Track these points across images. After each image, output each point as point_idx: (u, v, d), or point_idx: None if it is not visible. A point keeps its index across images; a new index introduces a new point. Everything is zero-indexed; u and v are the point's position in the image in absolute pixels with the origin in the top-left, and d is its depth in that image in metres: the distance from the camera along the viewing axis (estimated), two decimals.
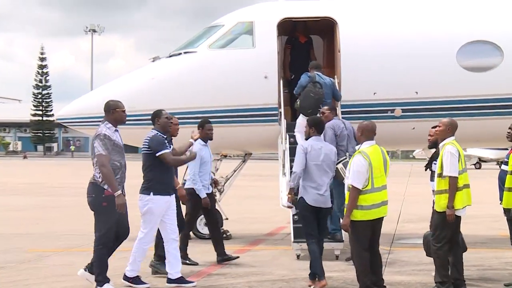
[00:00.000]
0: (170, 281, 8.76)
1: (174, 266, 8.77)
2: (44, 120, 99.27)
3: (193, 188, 10.61)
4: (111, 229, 8.15)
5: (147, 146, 8.74)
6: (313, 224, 8.87)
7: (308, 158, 8.78)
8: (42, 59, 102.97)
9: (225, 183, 13.92)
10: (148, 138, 8.76)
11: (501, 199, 8.87)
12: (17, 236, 13.82)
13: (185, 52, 13.69)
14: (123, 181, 8.36)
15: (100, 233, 8.11)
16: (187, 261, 10.37)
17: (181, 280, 8.74)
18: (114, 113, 8.33)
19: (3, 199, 23.39)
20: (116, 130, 8.35)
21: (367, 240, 8.20)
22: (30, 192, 27.31)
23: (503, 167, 9.07)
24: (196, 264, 10.48)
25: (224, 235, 13.36)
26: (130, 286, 8.68)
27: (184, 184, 10.87)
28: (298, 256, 10.96)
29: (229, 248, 11.40)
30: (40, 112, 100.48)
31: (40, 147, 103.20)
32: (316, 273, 8.59)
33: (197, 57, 13.51)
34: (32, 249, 12.06)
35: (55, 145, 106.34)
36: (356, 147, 8.54)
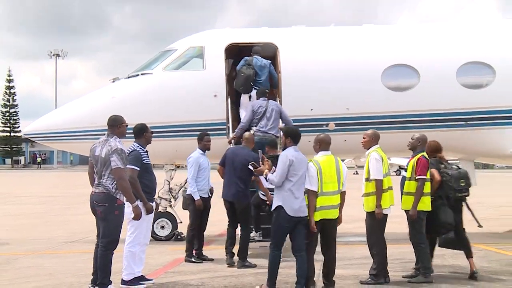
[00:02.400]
0: (123, 282, 8.45)
1: (138, 266, 8.54)
2: (11, 136, 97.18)
3: (190, 194, 10.55)
4: (118, 235, 7.93)
5: None
6: (285, 235, 8.03)
7: (291, 169, 7.87)
8: (10, 81, 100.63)
9: (179, 190, 13.76)
10: (128, 151, 8.45)
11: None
12: None
13: (142, 74, 13.55)
14: None
15: (108, 239, 7.81)
16: (193, 259, 10.43)
17: (141, 278, 8.52)
18: (120, 127, 8.07)
19: None
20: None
21: (316, 239, 8.29)
22: None
23: (403, 173, 9.23)
24: (201, 262, 10.43)
25: (179, 236, 13.30)
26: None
27: (185, 191, 11.03)
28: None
29: (182, 248, 11.27)
30: (8, 128, 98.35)
31: (8, 161, 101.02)
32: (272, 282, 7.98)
33: (153, 78, 13.39)
34: (0, 253, 11.69)
35: (22, 158, 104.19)
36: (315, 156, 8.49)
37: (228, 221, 10.63)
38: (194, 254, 10.57)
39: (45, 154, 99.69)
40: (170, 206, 13.39)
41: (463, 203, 9.48)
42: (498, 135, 13.70)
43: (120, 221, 7.92)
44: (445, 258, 10.76)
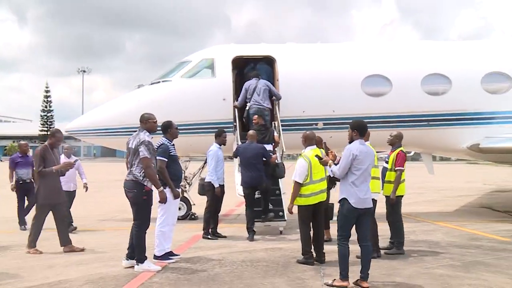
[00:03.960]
0: (156, 257, 7.89)
1: (167, 243, 7.99)
2: (48, 134, 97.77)
3: (209, 182, 10.02)
4: (149, 217, 7.48)
5: (156, 151, 7.93)
6: (351, 226, 6.56)
7: (355, 162, 6.43)
8: (47, 91, 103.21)
9: (193, 178, 13.31)
10: (157, 145, 7.99)
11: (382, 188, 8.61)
12: None
13: (163, 81, 13.07)
14: None
15: (140, 221, 7.39)
16: (209, 236, 9.92)
17: (170, 253, 7.98)
18: (147, 123, 7.57)
19: None
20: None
21: (309, 220, 7.84)
22: None
23: (384, 164, 8.81)
24: (216, 239, 9.91)
25: (193, 216, 12.85)
26: (160, 261, 7.78)
27: (204, 179, 10.52)
28: (281, 232, 10.57)
29: (197, 227, 10.81)
30: (46, 129, 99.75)
31: None
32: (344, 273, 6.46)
33: (172, 84, 12.88)
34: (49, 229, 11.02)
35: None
36: (303, 151, 8.04)
37: (246, 205, 10.15)
38: (209, 231, 10.03)
39: (74, 148, 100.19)
40: (185, 191, 12.86)
41: None
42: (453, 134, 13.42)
43: (148, 205, 7.46)
44: (416, 234, 10.36)
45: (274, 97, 12.42)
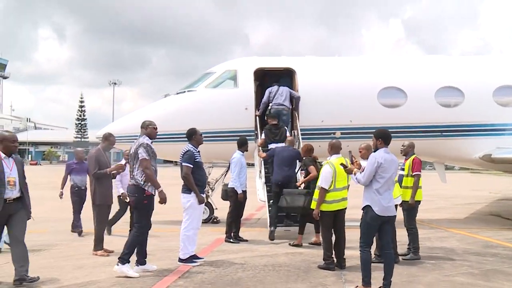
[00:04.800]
0: (180, 260, 7.50)
1: (192, 247, 7.58)
2: (82, 141, 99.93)
3: (233, 187, 9.64)
4: (149, 221, 7.05)
5: (181, 157, 7.64)
6: (374, 233, 6.18)
7: (380, 170, 5.99)
8: (81, 101, 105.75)
9: (215, 183, 12.94)
10: (183, 151, 7.68)
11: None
12: None
13: (188, 91, 12.71)
14: None
15: (141, 224, 6.94)
16: (231, 240, 9.47)
17: (194, 256, 7.58)
18: (148, 129, 7.19)
19: None
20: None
21: (330, 225, 7.38)
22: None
23: (400, 172, 8.34)
24: (238, 242, 9.44)
25: (215, 220, 12.47)
26: (185, 264, 7.39)
27: (227, 185, 10.07)
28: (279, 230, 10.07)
29: (219, 230, 10.40)
30: (80, 136, 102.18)
31: None
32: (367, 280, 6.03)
33: (197, 94, 12.51)
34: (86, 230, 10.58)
35: None
36: (328, 159, 7.60)
37: (273, 201, 9.81)
38: (232, 235, 9.61)
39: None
40: (208, 196, 12.42)
41: None
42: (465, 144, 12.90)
43: (149, 209, 7.01)
44: (432, 241, 9.85)
45: (293, 98, 12.14)
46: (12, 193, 6.04)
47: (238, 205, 9.72)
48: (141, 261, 7.09)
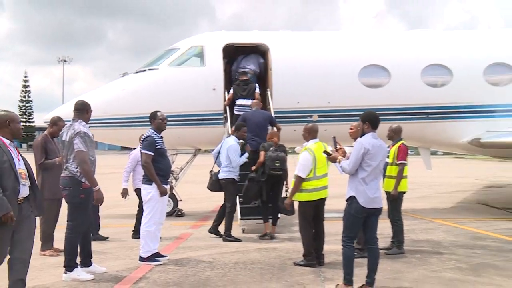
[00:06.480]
0: (141, 259, 7.30)
1: (154, 244, 7.38)
2: (27, 125, 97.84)
3: (232, 178, 9.28)
4: (85, 219, 6.63)
5: (141, 144, 7.41)
6: (359, 227, 6.03)
7: (367, 158, 5.86)
8: (26, 81, 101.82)
9: (180, 172, 12.77)
10: (143, 137, 7.43)
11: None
12: None
13: (149, 69, 12.46)
14: (94, 173, 6.71)
15: (74, 222, 6.49)
16: (229, 238, 9.08)
17: (157, 254, 7.39)
18: (89, 113, 6.75)
19: None
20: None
21: (311, 217, 7.28)
22: None
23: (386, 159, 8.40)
24: (239, 240, 9.08)
25: (180, 213, 12.32)
26: (146, 264, 7.18)
27: (217, 174, 9.53)
28: (243, 230, 9.88)
29: (185, 223, 10.28)
30: (24, 119, 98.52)
31: (24, 145, 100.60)
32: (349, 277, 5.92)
33: (159, 73, 12.28)
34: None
35: None
36: (304, 144, 7.48)
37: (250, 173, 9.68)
38: (230, 233, 9.21)
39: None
40: (172, 187, 12.13)
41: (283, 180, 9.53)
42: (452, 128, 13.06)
43: (86, 204, 6.58)
44: (416, 233, 9.96)
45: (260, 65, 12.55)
46: (24, 189, 5.03)
47: (235, 197, 9.46)
48: (85, 261, 6.79)
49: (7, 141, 5.05)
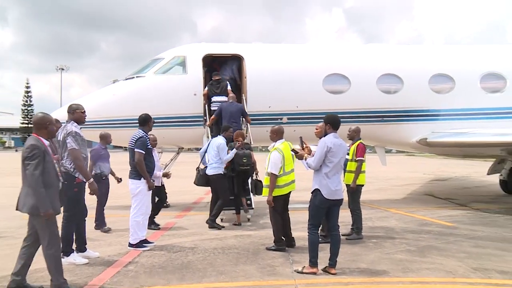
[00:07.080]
0: (130, 245, 7.29)
1: (141, 232, 7.38)
2: (29, 127, 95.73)
3: (221, 173, 9.27)
4: (79, 209, 6.66)
5: (133, 143, 7.29)
6: (322, 216, 6.16)
7: (329, 155, 6.01)
8: (28, 87, 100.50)
9: (164, 168, 12.68)
10: (136, 137, 7.31)
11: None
12: None
13: (137, 77, 12.33)
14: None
15: (70, 213, 6.53)
16: (215, 225, 9.06)
17: (144, 241, 7.40)
18: (75, 113, 6.68)
19: None
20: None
21: (281, 209, 7.35)
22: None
23: (346, 156, 8.50)
24: (223, 227, 9.08)
25: (165, 204, 12.21)
26: (135, 249, 7.18)
27: (204, 170, 9.44)
28: (221, 220, 9.88)
29: (170, 214, 10.22)
30: (27, 122, 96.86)
31: None
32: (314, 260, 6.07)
33: (146, 80, 12.15)
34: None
35: None
36: (272, 145, 7.46)
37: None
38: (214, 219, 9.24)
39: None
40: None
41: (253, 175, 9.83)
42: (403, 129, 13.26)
43: (79, 197, 6.61)
44: (373, 221, 10.09)
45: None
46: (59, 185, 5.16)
47: (227, 190, 9.47)
48: (81, 247, 6.78)
49: (46, 142, 5.09)
